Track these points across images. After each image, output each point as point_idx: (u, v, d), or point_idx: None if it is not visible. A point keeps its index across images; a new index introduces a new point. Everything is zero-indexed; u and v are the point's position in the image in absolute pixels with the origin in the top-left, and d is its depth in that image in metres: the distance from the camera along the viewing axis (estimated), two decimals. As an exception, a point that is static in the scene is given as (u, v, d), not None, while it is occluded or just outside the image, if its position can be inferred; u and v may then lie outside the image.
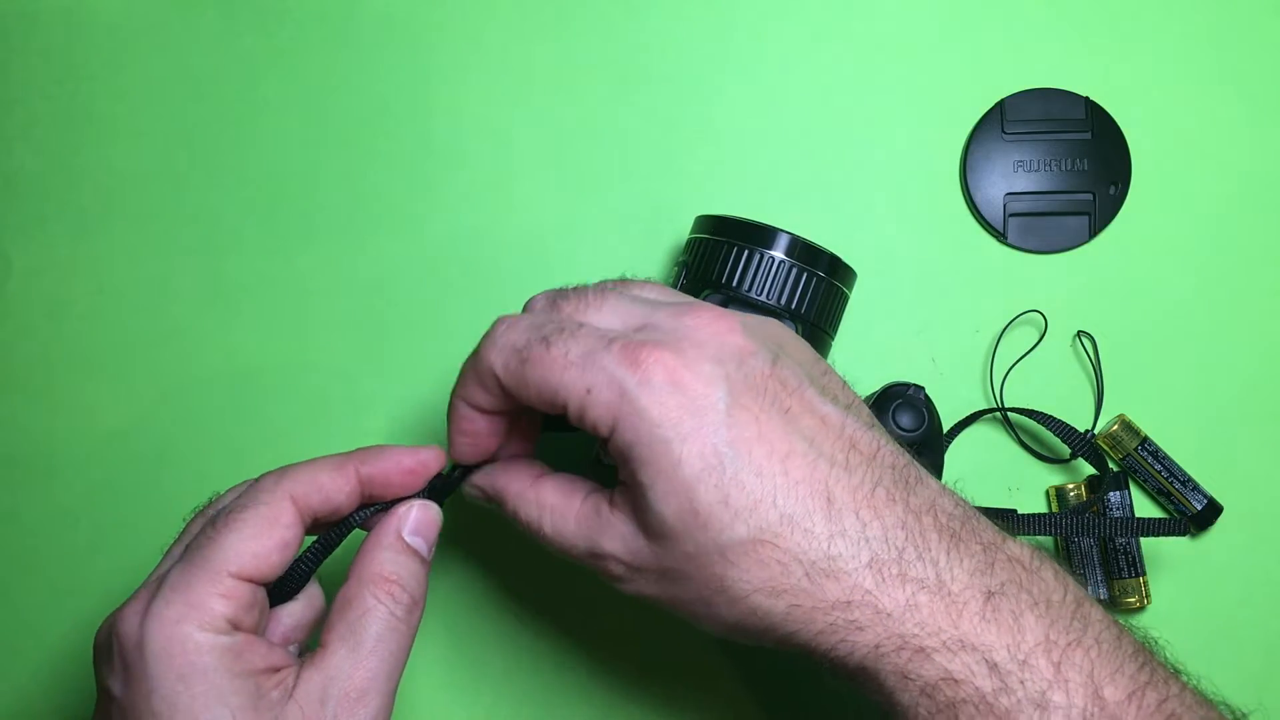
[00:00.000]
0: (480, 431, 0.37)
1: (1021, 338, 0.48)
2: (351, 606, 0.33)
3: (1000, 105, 0.49)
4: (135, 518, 0.50)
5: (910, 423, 0.42)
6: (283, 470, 0.35)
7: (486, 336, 0.35)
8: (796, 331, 0.41)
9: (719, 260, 0.42)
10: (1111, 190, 0.49)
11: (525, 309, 0.37)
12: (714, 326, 0.33)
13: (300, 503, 0.34)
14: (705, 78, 0.51)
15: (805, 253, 0.42)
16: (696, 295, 0.42)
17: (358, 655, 0.33)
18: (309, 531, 0.35)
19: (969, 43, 0.50)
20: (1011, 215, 0.49)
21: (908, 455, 0.34)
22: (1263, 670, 0.48)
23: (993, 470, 0.48)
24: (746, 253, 0.42)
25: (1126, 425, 0.47)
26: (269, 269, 0.51)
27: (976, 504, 0.41)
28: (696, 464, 0.31)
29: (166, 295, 0.51)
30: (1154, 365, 0.49)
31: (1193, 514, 0.47)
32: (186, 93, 0.52)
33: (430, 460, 0.36)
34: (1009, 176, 0.49)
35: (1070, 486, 0.48)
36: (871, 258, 0.48)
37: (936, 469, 0.42)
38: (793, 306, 0.42)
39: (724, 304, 0.40)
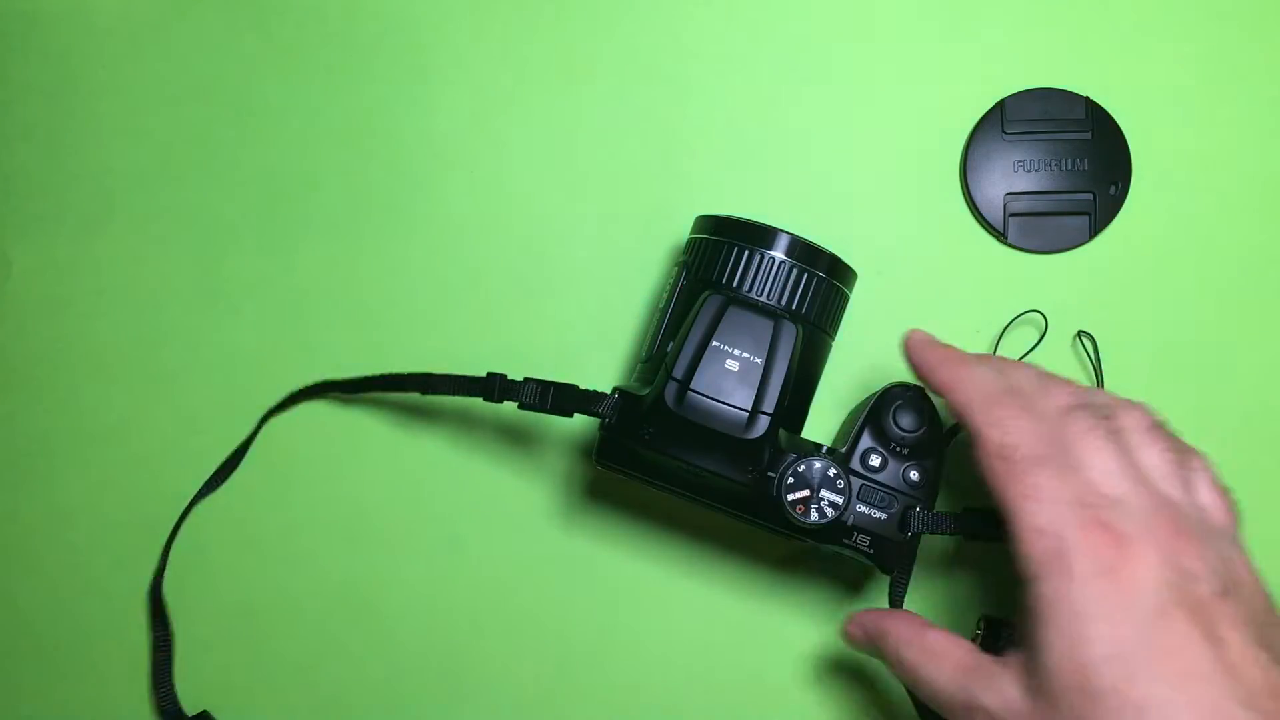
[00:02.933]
0: None
1: (1021, 338, 0.48)
2: None
3: (1000, 105, 0.49)
4: (135, 517, 0.50)
5: (910, 423, 0.42)
6: None
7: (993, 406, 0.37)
8: (797, 334, 0.41)
9: (719, 261, 0.42)
10: (1111, 190, 0.49)
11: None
12: (1179, 541, 0.33)
13: None
14: (705, 78, 0.51)
15: (805, 253, 0.42)
16: (697, 296, 0.42)
17: None
18: None
19: (969, 43, 0.50)
20: (1011, 215, 0.49)
21: None
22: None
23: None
24: (747, 253, 0.42)
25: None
26: (268, 269, 0.51)
27: (980, 506, 0.41)
28: (1103, 649, 0.32)
29: (166, 295, 0.51)
30: (1154, 365, 0.49)
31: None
32: (186, 93, 0.52)
33: None
34: (1009, 176, 0.49)
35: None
36: (871, 258, 0.48)
37: (936, 470, 0.42)
38: (793, 307, 0.42)
39: (725, 305, 0.40)
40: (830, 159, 0.50)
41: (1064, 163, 0.49)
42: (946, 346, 0.40)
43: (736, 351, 0.40)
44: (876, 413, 0.42)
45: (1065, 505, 0.34)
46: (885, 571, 0.42)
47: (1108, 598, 0.32)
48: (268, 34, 0.52)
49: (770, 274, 0.41)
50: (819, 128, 0.50)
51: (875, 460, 0.41)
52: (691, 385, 0.40)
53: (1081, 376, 0.48)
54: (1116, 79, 0.49)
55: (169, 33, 0.52)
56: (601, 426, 0.42)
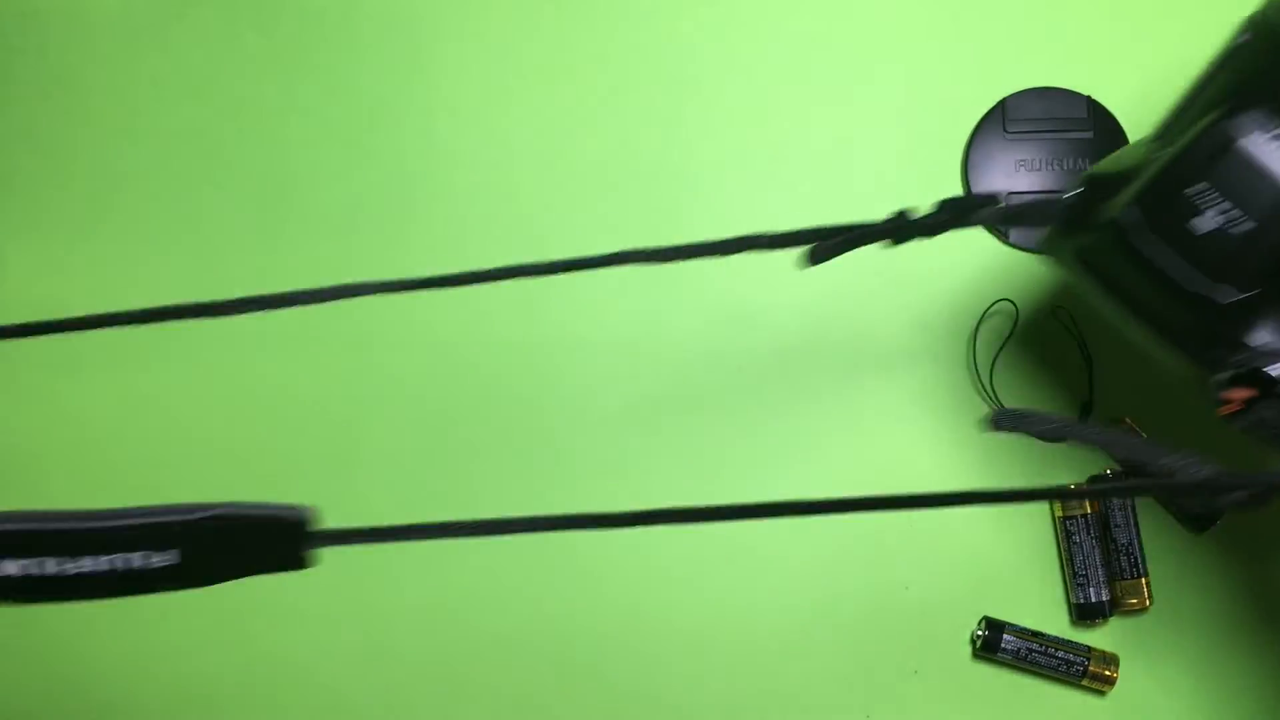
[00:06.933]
0: None
1: (1023, 336, 0.48)
2: None
3: (1002, 104, 0.49)
4: (135, 518, 0.50)
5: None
6: None
7: None
8: None
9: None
10: (1113, 189, 0.49)
11: None
12: None
13: None
14: (704, 77, 0.50)
15: None
16: (1228, 104, 0.31)
17: None
18: None
19: (970, 42, 0.50)
20: (1013, 215, 0.49)
21: None
22: (1261, 670, 0.48)
23: (997, 470, 0.48)
24: None
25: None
26: (268, 269, 0.51)
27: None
28: None
29: (165, 295, 0.51)
30: (1154, 364, 0.48)
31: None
32: (186, 93, 0.52)
33: None
34: (1011, 175, 0.49)
35: (1072, 486, 0.47)
36: (872, 258, 0.47)
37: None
38: None
39: (1226, 145, 0.31)
40: (830, 158, 0.50)
41: (1065, 162, 0.49)
42: None
43: (1227, 206, 0.30)
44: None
45: None
46: None
47: None
48: (267, 34, 0.52)
49: None
50: (819, 127, 0.50)
51: None
52: (1152, 229, 0.31)
53: (1083, 376, 0.48)
54: (1118, 78, 0.49)
55: (168, 32, 0.52)
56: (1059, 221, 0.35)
